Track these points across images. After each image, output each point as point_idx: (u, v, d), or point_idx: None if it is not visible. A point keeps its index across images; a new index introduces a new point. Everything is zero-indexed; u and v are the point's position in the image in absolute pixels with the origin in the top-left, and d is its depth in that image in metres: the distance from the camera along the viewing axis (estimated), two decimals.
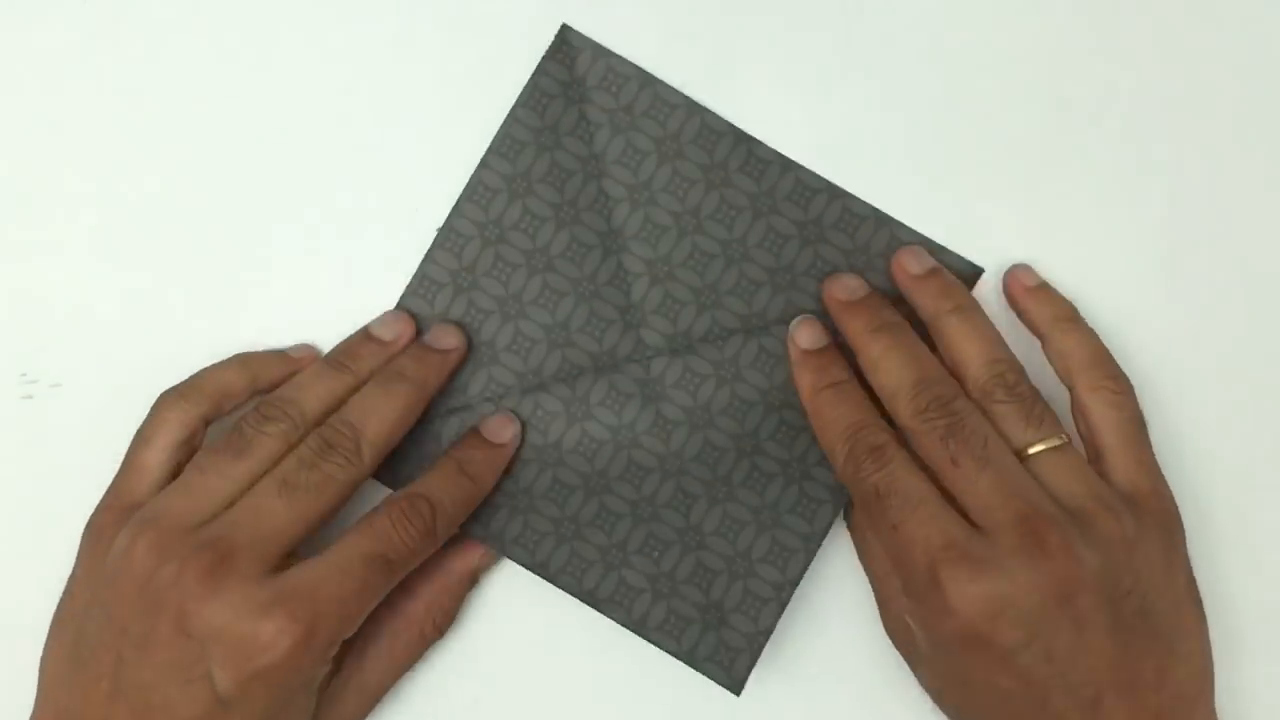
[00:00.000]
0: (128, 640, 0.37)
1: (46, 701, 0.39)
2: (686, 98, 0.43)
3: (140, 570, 0.37)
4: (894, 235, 0.43)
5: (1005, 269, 0.43)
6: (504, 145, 0.43)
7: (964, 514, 0.38)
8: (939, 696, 0.41)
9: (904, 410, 0.39)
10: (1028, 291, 0.43)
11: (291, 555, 0.38)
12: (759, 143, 0.43)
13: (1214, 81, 0.44)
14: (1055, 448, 0.39)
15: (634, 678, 0.44)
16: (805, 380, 0.41)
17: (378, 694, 0.42)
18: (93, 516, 0.40)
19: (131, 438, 0.41)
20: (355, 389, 0.41)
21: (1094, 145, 0.44)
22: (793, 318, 0.43)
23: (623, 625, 0.43)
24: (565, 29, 0.43)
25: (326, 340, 0.43)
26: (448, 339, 0.42)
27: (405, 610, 0.42)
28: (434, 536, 0.40)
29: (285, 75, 0.44)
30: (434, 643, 0.43)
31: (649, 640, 0.43)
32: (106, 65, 0.44)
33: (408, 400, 0.41)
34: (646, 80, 0.43)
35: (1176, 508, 0.40)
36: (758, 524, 0.42)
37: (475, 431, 0.43)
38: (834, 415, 0.40)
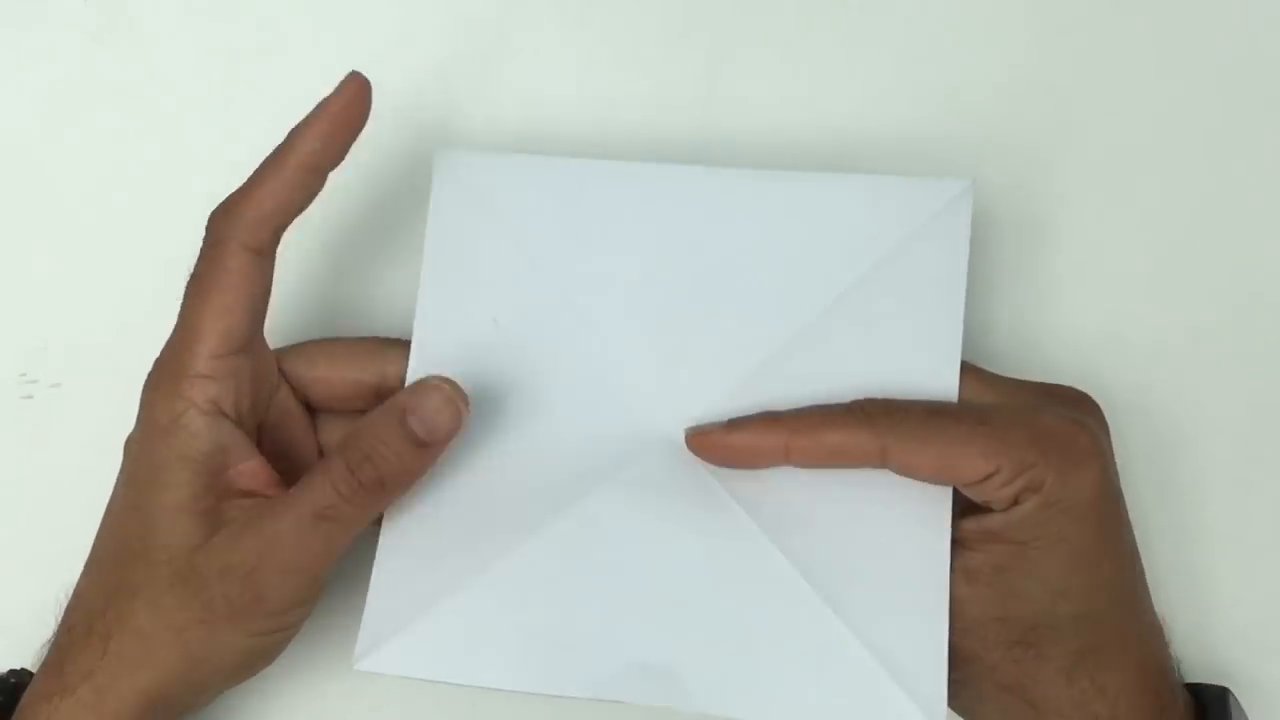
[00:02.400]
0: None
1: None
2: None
3: None
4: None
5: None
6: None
7: None
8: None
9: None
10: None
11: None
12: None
13: (1213, 80, 0.44)
14: None
15: None
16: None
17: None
18: None
19: None
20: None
21: (1094, 144, 0.44)
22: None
23: None
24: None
25: (324, 331, 0.44)
26: None
27: None
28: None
29: (285, 74, 0.44)
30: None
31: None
32: (107, 65, 0.44)
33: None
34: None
35: None
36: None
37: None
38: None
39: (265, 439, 0.38)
